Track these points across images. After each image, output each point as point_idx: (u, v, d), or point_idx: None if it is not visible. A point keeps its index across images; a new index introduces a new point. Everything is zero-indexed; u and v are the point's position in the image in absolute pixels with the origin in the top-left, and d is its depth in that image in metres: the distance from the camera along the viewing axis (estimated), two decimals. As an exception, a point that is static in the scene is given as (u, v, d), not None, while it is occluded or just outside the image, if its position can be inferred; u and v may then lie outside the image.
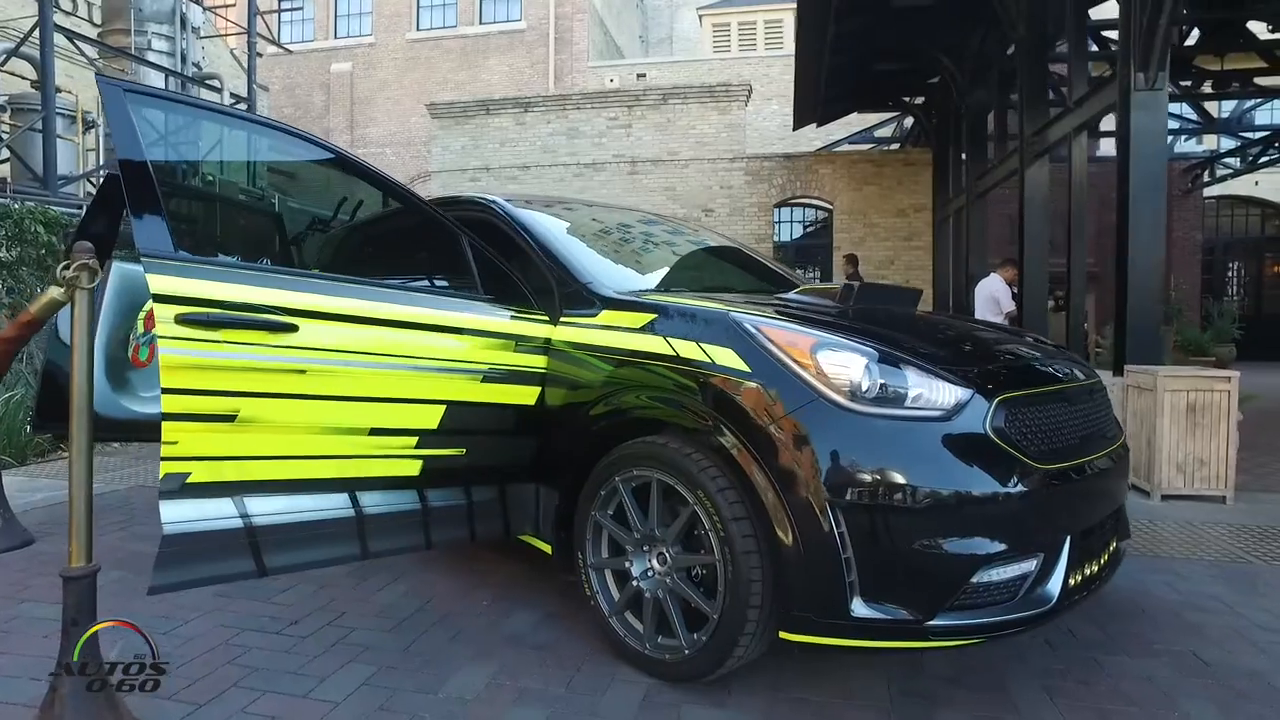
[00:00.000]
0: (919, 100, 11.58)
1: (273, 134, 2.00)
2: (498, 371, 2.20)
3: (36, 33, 7.47)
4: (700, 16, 23.17)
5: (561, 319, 2.32)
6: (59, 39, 7.66)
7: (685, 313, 2.10)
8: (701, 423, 1.92)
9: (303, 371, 1.85)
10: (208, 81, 9.74)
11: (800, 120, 12.05)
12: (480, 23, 20.90)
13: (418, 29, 21.20)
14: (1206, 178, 14.35)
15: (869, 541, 1.72)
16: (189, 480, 1.73)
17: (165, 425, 1.69)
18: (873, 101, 12.25)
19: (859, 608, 1.71)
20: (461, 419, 2.13)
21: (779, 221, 13.13)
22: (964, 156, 9.33)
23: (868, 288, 2.41)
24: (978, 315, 7.80)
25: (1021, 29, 6.44)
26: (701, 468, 1.89)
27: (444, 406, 2.10)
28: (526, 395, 2.27)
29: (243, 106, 10.29)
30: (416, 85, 20.92)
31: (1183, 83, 9.38)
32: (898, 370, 1.83)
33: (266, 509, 1.82)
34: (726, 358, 1.90)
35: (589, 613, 2.20)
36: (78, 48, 8.43)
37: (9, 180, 7.58)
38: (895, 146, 14.13)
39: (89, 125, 8.78)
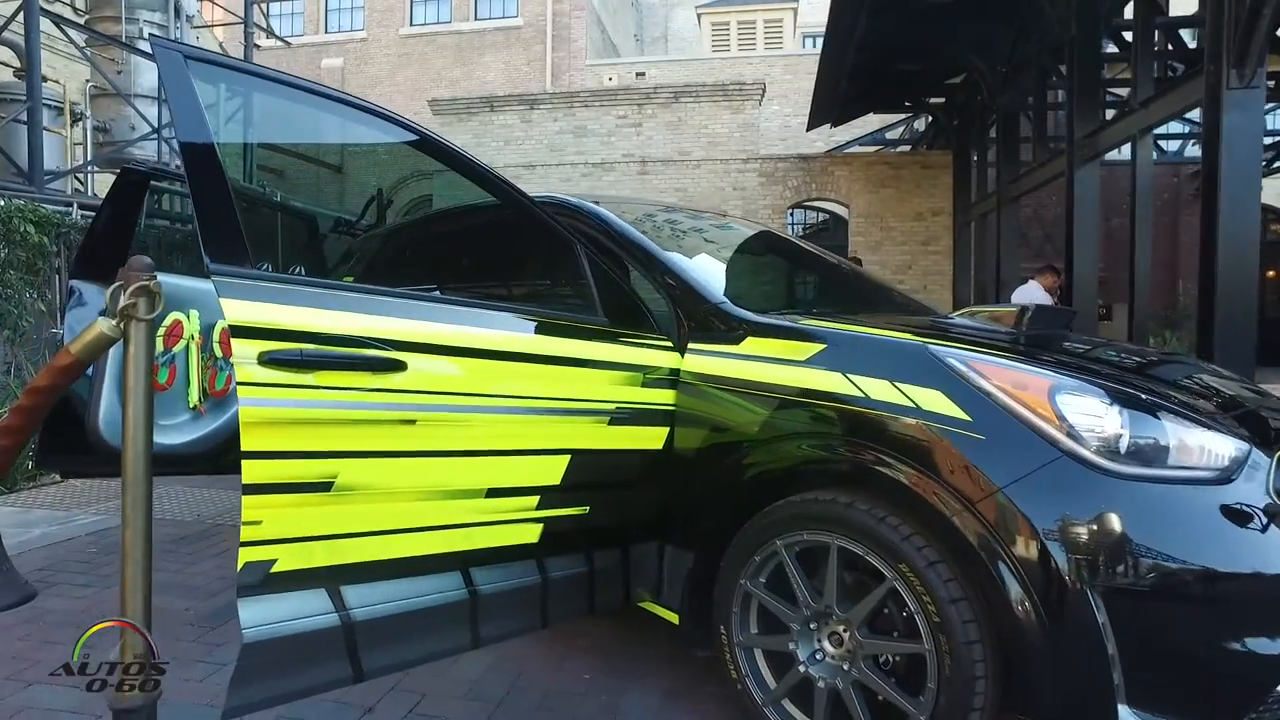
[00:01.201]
0: (936, 101, 11.34)
1: (373, 121, 1.61)
2: (625, 411, 1.83)
3: (20, 18, 6.96)
4: (699, 15, 22.87)
5: (691, 347, 1.95)
6: (44, 24, 7.14)
7: (865, 343, 1.75)
8: (902, 481, 1.56)
9: (412, 422, 1.47)
10: (203, 73, 9.22)
11: (815, 121, 11.78)
12: (475, 18, 20.43)
13: (411, 24, 20.69)
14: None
15: (1139, 635, 1.37)
16: (274, 569, 1.34)
17: (246, 500, 1.30)
18: (889, 102, 11.98)
19: (1128, 717, 1.37)
20: (587, 471, 1.76)
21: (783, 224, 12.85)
22: (994, 159, 9.07)
23: (1042, 311, 2.07)
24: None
25: (1073, 28, 6.17)
26: (904, 536, 1.54)
27: (568, 457, 1.72)
28: (654, 439, 1.90)
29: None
30: (410, 82, 20.40)
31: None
32: (1153, 419, 1.49)
33: (367, 599, 1.43)
34: (934, 402, 1.55)
35: (715, 687, 1.88)
36: (65, 34, 7.90)
37: (-9, 175, 7.05)
38: (907, 149, 13.90)
39: (76, 118, 8.25)
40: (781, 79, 17.63)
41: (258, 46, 10.47)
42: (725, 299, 1.99)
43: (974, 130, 9.82)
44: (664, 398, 1.90)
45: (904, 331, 1.78)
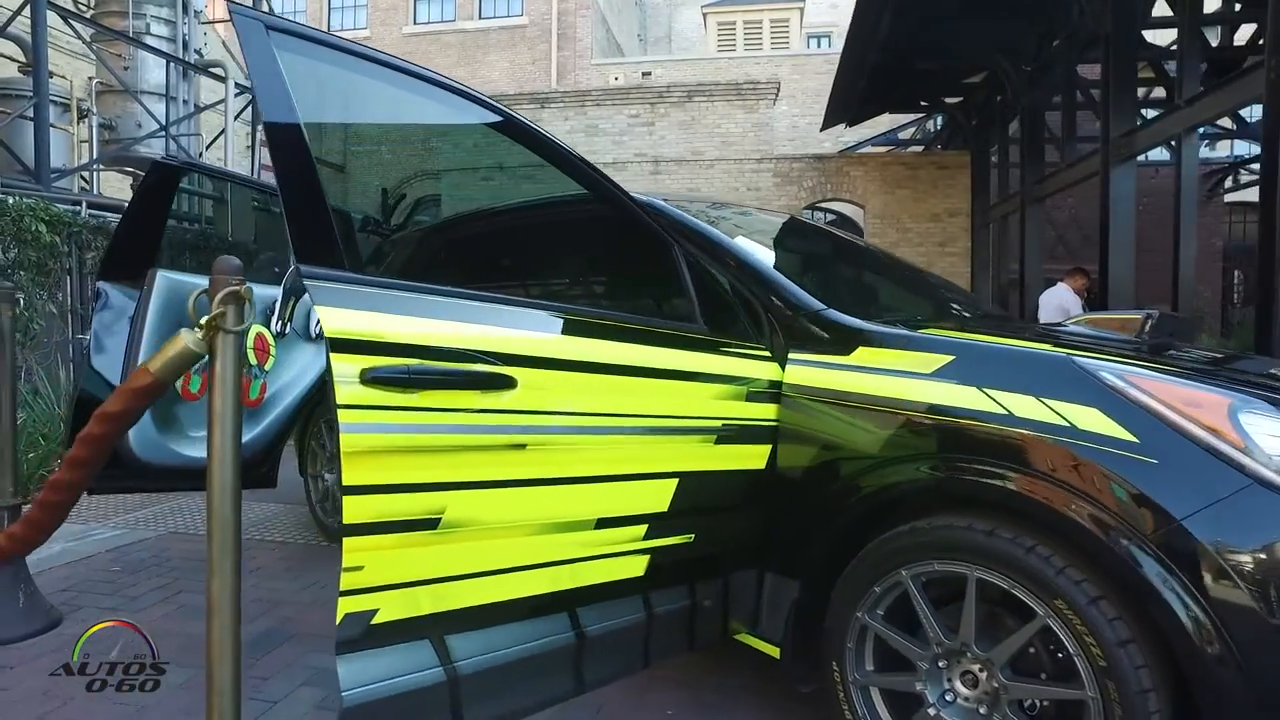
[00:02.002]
0: (952, 101, 11.20)
1: (468, 107, 1.44)
2: (731, 429, 1.66)
3: (26, 11, 6.77)
4: (705, 15, 22.71)
5: (792, 357, 1.79)
6: (50, 18, 6.95)
7: (1000, 355, 1.59)
8: (1053, 508, 1.40)
9: (522, 447, 1.30)
10: (211, 70, 9.04)
11: (830, 121, 11.64)
12: (480, 17, 20.27)
13: (414, 22, 20.53)
14: (1229, 184, 14.16)
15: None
16: (376, 620, 1.17)
17: (348, 543, 1.13)
18: (905, 102, 11.84)
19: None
20: (693, 494, 1.59)
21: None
22: (1016, 159, 8.94)
23: (1166, 318, 1.92)
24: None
25: (1109, 24, 6.03)
26: (1057, 568, 1.38)
27: (676, 480, 1.55)
28: (756, 458, 1.73)
29: (246, 98, 9.60)
30: (413, 81, 20.21)
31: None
32: (1345, 441, 1.33)
33: (472, 649, 1.26)
34: (1092, 421, 1.39)
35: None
36: (73, 28, 7.71)
37: (-4, 173, 6.86)
38: (919, 149, 13.76)
39: (83, 114, 8.05)
40: (789, 79, 17.50)
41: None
42: (826, 305, 1.83)
43: (994, 130, 9.68)
44: (767, 413, 1.74)
45: (1040, 342, 1.62)
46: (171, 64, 8.36)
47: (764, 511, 1.76)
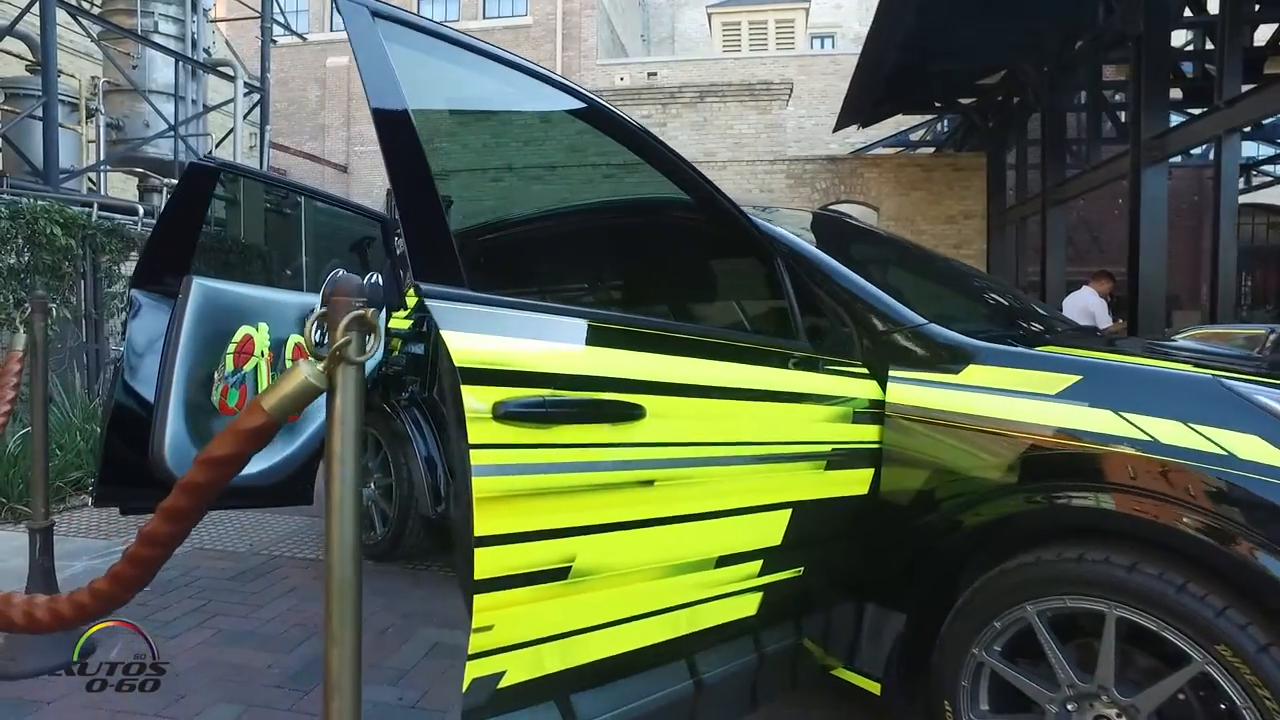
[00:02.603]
0: (966, 101, 11.11)
1: (573, 102, 1.33)
2: (840, 453, 1.55)
3: (34, 8, 6.63)
4: (710, 15, 22.62)
5: (894, 375, 1.67)
6: (58, 16, 6.81)
7: (1135, 376, 1.48)
8: (1209, 543, 1.29)
9: (650, 483, 1.18)
10: (220, 69, 8.90)
11: (844, 121, 11.55)
12: (484, 17, 20.16)
13: (418, 22, 20.35)
14: (1241, 185, 14.08)
15: None
16: (503, 684, 1.05)
17: (479, 601, 1.01)
18: (920, 103, 11.73)
19: None
20: (805, 525, 1.48)
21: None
22: (1035, 160, 8.84)
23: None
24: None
25: (1141, 24, 5.92)
26: (1216, 610, 1.26)
27: (789, 511, 1.44)
28: (860, 483, 1.62)
29: (255, 98, 9.47)
30: (417, 81, 20.06)
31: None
32: None
33: (598, 708, 1.14)
34: (1255, 450, 1.27)
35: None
36: (82, 26, 7.56)
37: (5, 173, 6.71)
38: (929, 150, 13.67)
39: (90, 113, 7.91)
40: (795, 80, 17.35)
41: (274, 42, 10.15)
42: (927, 320, 1.71)
43: (1013, 131, 9.58)
44: (870, 435, 1.62)
45: (1177, 362, 1.51)
46: (180, 63, 8.23)
47: (866, 540, 1.64)
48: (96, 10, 8.13)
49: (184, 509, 0.88)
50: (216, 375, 2.47)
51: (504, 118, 1.76)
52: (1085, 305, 6.89)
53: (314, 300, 2.70)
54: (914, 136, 14.25)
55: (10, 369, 2.28)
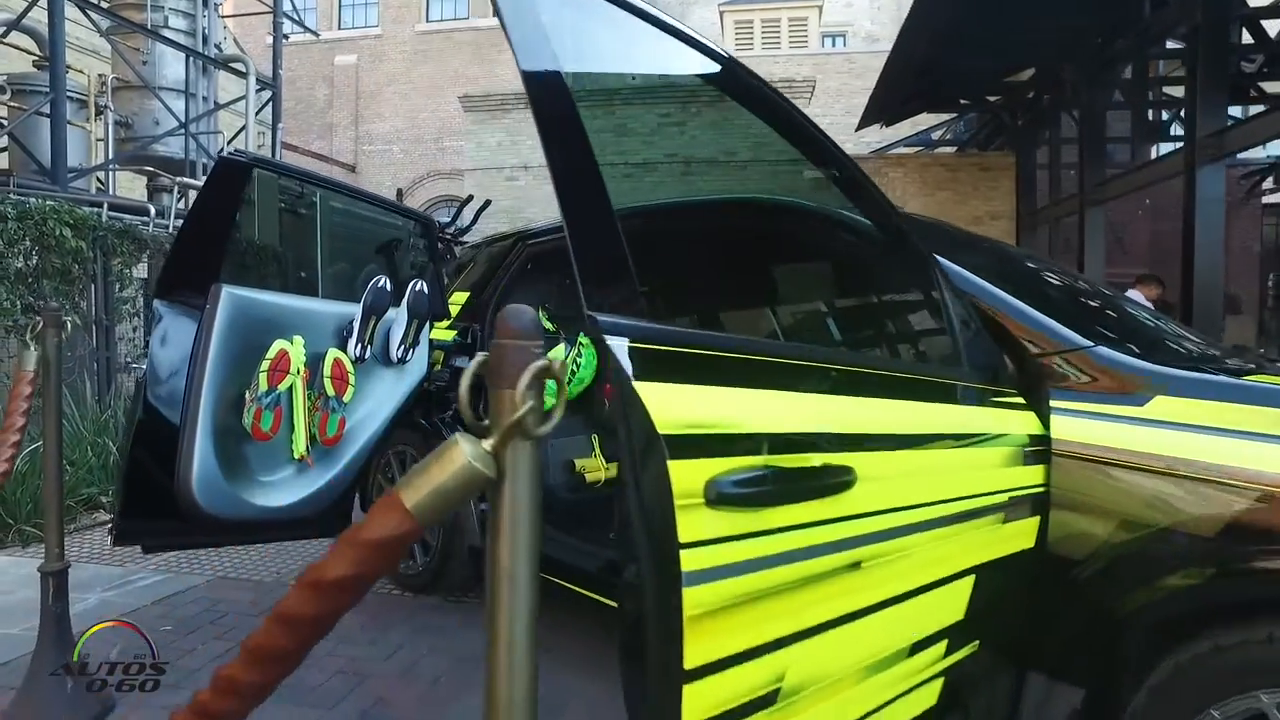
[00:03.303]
0: (992, 99, 10.82)
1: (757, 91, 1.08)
2: (1014, 501, 1.29)
3: (41, 1, 6.40)
4: (721, 13, 22.32)
5: (1056, 405, 1.42)
6: (67, 10, 6.57)
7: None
8: None
9: (857, 565, 0.93)
10: (232, 64, 8.66)
11: (868, 120, 11.28)
12: (495, 14, 19.89)
13: (427, 20, 20.16)
14: (1270, 183, 13.76)
15: None
16: None
17: None
18: (945, 100, 11.44)
19: None
20: (985, 592, 1.23)
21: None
22: (1068, 160, 8.56)
23: None
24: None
25: (1198, 16, 5.65)
26: None
27: (973, 577, 1.19)
28: (1027, 535, 1.36)
29: (267, 94, 9.24)
30: (426, 80, 19.85)
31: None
32: None
33: None
34: None
35: None
36: (91, 20, 7.33)
37: (11, 172, 6.48)
38: (949, 150, 13.38)
39: (99, 111, 7.67)
40: (809, 78, 17.15)
41: (286, 38, 9.92)
42: (1093, 342, 1.46)
43: (1046, 129, 9.29)
44: (1035, 477, 1.36)
45: None
46: (190, 58, 7.99)
47: (1035, 601, 1.38)
48: (105, 4, 7.89)
49: (285, 649, 0.61)
50: (248, 395, 2.21)
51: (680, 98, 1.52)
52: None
53: (353, 310, 2.44)
54: (934, 136, 13.97)
55: (20, 392, 2.03)
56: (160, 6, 7.95)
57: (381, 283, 2.43)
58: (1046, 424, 1.40)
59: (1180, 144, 6.39)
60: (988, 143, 11.97)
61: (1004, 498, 1.26)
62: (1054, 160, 9.20)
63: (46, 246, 4.22)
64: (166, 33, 7.87)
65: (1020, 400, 1.43)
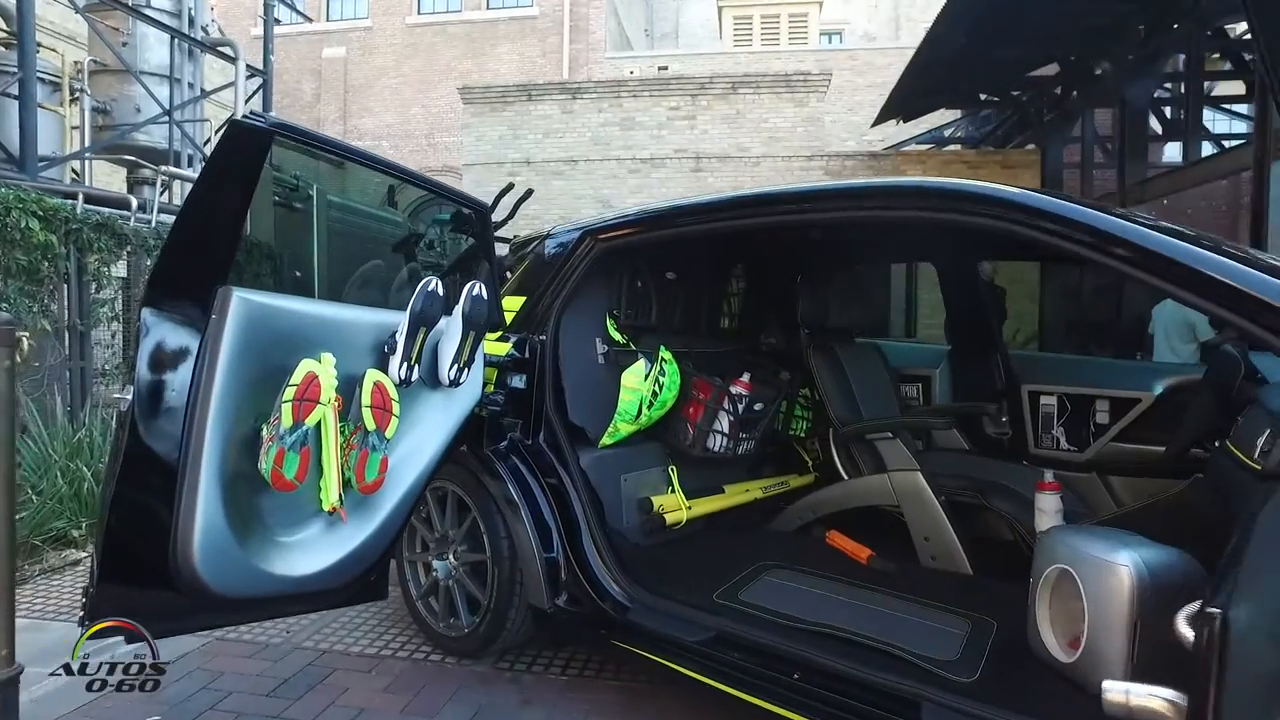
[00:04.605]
0: (1016, 94, 10.47)
1: None
2: None
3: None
4: (720, 9, 21.92)
5: None
6: (38, -15, 5.97)
7: None
8: None
9: None
10: (220, 48, 8.07)
11: (885, 115, 10.93)
12: (488, 7, 19.37)
13: (419, 12, 19.57)
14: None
15: None
16: None
17: None
18: (966, 95, 11.06)
19: None
20: None
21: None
22: (1101, 158, 8.20)
23: None
24: (1162, 345, 6.64)
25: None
26: None
27: None
28: None
29: (257, 82, 8.66)
30: (417, 73, 19.27)
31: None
32: None
33: None
34: None
35: None
36: (66, -3, 6.73)
37: (-25, 160, 5.87)
38: (957, 146, 13.02)
39: (75, 96, 7.06)
40: (825, 73, 16.79)
41: (278, 21, 9.34)
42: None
43: (1083, 123, 8.92)
44: None
45: None
46: (176, 41, 7.40)
47: None
48: (81, -19, 7.28)
49: None
50: (267, 433, 1.69)
51: None
52: (1185, 316, 6.24)
53: (397, 319, 1.93)
54: (947, 133, 13.61)
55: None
56: (142, -15, 7.35)
57: (433, 285, 1.92)
58: None
59: (1238, 141, 6.00)
60: (1006, 140, 11.62)
61: None
62: (1086, 157, 8.84)
63: (10, 240, 3.66)
64: (149, 12, 7.27)
65: None
